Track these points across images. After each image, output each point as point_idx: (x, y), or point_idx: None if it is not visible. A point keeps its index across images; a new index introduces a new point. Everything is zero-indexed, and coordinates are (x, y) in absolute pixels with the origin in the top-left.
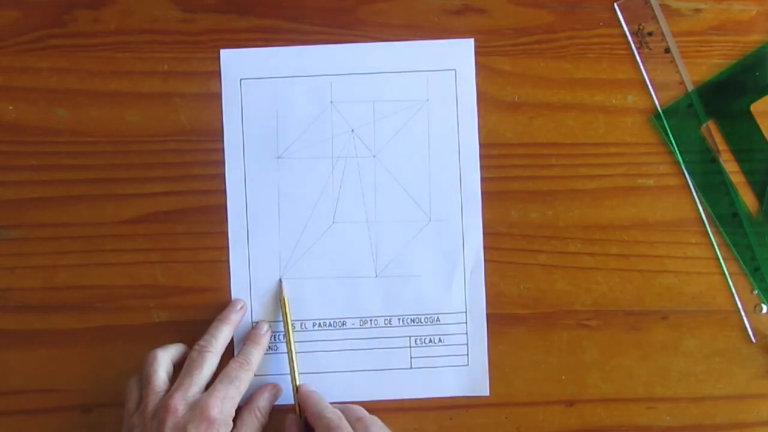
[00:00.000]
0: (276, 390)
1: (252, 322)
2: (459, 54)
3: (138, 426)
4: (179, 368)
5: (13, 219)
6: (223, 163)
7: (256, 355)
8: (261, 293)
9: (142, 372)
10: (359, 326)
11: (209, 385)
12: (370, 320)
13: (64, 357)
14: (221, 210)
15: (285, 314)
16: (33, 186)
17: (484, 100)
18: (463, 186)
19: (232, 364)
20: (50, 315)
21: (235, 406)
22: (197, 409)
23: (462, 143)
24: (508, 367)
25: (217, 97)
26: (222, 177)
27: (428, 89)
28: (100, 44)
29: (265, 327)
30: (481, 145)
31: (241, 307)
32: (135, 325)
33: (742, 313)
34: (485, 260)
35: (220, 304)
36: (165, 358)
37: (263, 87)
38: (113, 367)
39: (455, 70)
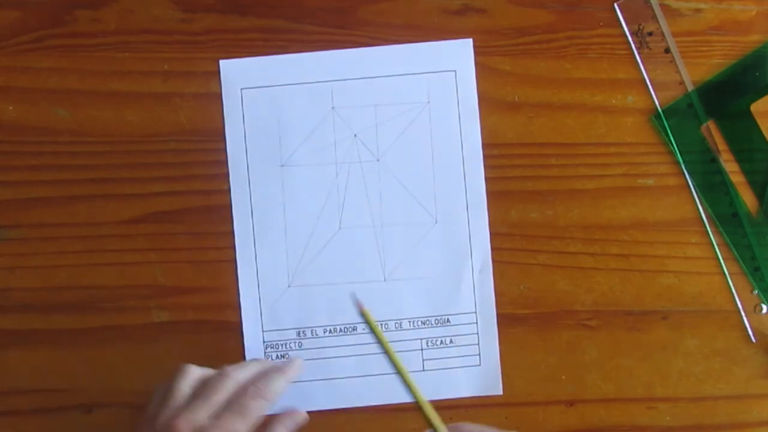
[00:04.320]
0: (301, 418)
1: (263, 332)
2: (458, 54)
3: None
4: None
5: (13, 219)
6: (225, 162)
7: (278, 384)
8: (270, 303)
9: (168, 382)
10: (370, 331)
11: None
12: (381, 324)
13: (64, 357)
14: (221, 210)
15: (375, 330)
16: (33, 186)
17: (484, 100)
18: (468, 186)
19: (249, 392)
20: (50, 315)
21: None
22: None
23: (465, 143)
24: (508, 367)
25: (217, 97)
26: (222, 177)
27: (429, 91)
28: (100, 44)
29: (298, 362)
30: (481, 145)
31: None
32: (135, 325)
33: (742, 313)
34: (492, 279)
35: (220, 304)
36: (194, 375)
37: (264, 95)
38: (113, 367)
39: (455, 71)
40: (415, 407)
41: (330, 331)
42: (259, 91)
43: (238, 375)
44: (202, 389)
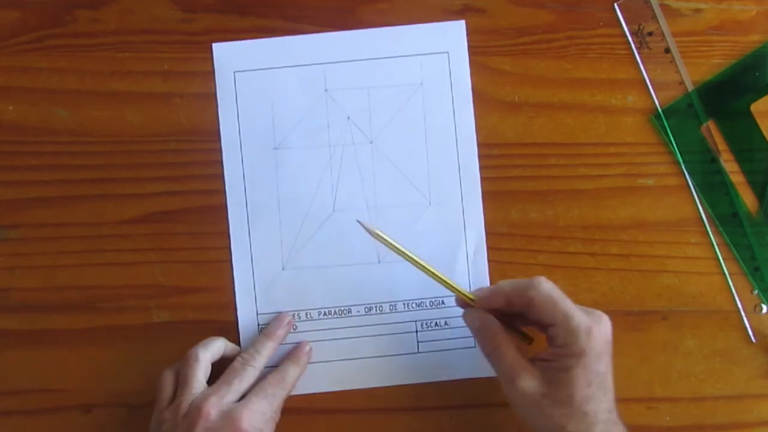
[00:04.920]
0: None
1: (258, 315)
2: (451, 36)
3: (169, 421)
4: (215, 364)
5: (13, 219)
6: (221, 161)
7: (293, 374)
8: (264, 284)
9: (181, 369)
10: (365, 313)
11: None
12: (375, 306)
13: (64, 357)
14: (221, 210)
15: (389, 243)
16: (33, 186)
17: (484, 100)
18: (462, 168)
19: (270, 380)
20: (50, 315)
21: (266, 423)
22: (229, 418)
23: (458, 125)
24: None
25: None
26: (222, 177)
27: (422, 73)
28: (100, 44)
29: (306, 348)
30: (481, 146)
31: (288, 323)
32: (135, 325)
33: (742, 313)
34: (486, 260)
35: (220, 304)
36: (206, 359)
37: (257, 78)
38: (113, 367)
39: (448, 52)
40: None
41: (325, 314)
42: (251, 74)
43: (258, 363)
44: (226, 375)
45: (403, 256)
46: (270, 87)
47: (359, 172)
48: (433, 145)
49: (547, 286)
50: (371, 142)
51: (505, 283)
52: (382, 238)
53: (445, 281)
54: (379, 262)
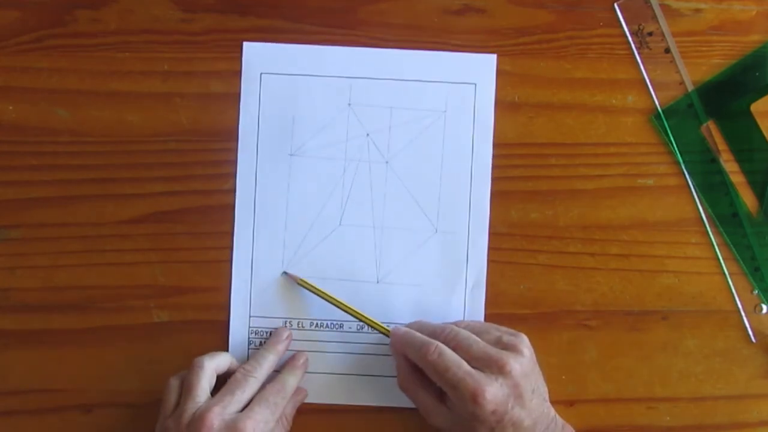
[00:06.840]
0: (301, 396)
1: (250, 317)
2: (481, 68)
3: (172, 429)
4: (220, 377)
5: (13, 219)
6: (224, 162)
7: (292, 383)
8: (261, 288)
9: (186, 377)
10: (356, 330)
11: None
12: (368, 325)
13: (64, 357)
14: (221, 210)
15: (316, 290)
16: (33, 186)
17: None
18: (473, 200)
19: (270, 389)
20: (50, 315)
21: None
22: (233, 428)
23: (475, 158)
24: None
25: (218, 96)
26: (222, 176)
27: (447, 100)
28: (100, 44)
29: (303, 358)
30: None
31: (287, 337)
32: (135, 325)
33: (742, 313)
34: (484, 295)
35: (220, 305)
36: (211, 368)
37: (283, 82)
38: (113, 367)
39: (476, 84)
40: None
41: (317, 326)
42: (278, 77)
43: (259, 374)
44: (229, 386)
45: (332, 303)
46: (295, 93)
47: (371, 190)
48: (448, 174)
49: (433, 358)
50: (387, 162)
51: (408, 339)
52: (309, 285)
53: (374, 324)
54: (377, 282)
